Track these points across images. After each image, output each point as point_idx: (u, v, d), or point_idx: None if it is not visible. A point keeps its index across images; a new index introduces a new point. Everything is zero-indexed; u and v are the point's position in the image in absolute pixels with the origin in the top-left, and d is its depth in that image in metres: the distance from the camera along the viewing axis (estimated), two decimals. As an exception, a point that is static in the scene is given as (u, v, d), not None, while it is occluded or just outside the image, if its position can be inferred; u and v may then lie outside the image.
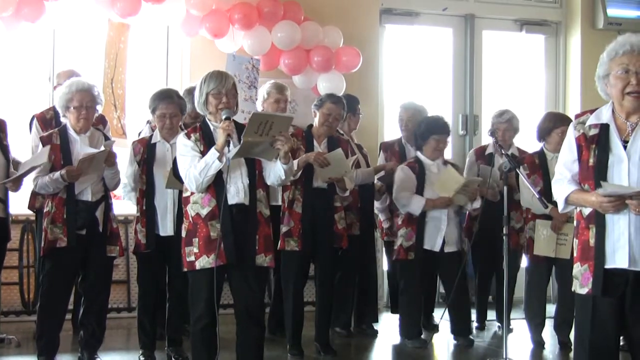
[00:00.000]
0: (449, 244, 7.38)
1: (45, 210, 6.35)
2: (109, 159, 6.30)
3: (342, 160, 6.90)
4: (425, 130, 7.57)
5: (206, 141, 5.50)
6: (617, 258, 4.35)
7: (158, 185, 6.56)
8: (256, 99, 8.25)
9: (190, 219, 5.50)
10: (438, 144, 7.48)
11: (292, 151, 6.75)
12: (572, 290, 4.55)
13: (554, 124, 7.42)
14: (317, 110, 7.12)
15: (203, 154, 5.43)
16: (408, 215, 7.45)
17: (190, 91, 7.48)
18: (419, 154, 7.61)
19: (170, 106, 6.59)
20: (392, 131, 9.44)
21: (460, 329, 7.62)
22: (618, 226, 4.35)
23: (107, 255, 6.46)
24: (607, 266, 4.37)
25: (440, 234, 7.39)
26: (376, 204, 8.31)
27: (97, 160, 6.21)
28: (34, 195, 7.07)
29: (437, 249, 7.38)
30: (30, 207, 7.32)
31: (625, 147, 4.36)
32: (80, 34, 8.74)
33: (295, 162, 6.68)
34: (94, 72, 8.32)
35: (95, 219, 6.37)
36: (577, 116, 4.65)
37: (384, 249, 8.87)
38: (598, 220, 4.40)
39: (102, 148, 6.26)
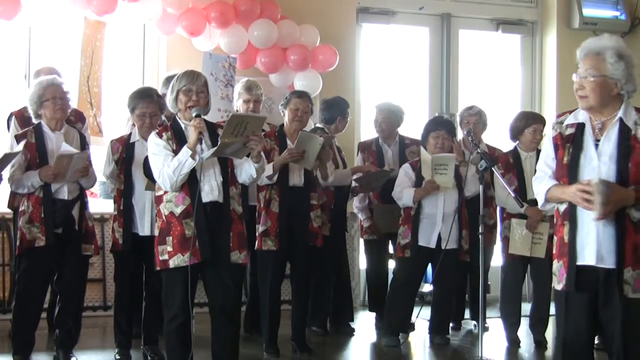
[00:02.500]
0: (446, 241, 7.24)
1: (20, 210, 6.34)
2: (85, 173, 6.33)
3: (310, 138, 6.87)
4: (424, 130, 7.58)
5: (178, 140, 5.51)
6: (586, 255, 4.44)
7: (137, 185, 6.54)
8: (233, 98, 8.25)
9: (164, 217, 5.51)
10: (437, 141, 7.41)
11: (267, 151, 6.79)
12: (553, 286, 4.64)
13: (525, 122, 7.46)
14: (285, 109, 7.12)
15: (175, 152, 5.44)
16: (406, 213, 7.44)
17: (169, 79, 7.55)
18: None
19: (150, 105, 6.57)
20: (369, 130, 9.46)
21: (439, 327, 7.62)
22: (587, 222, 4.42)
23: (82, 254, 6.45)
24: (578, 263, 4.45)
25: (435, 231, 7.32)
26: (355, 203, 8.33)
27: (75, 162, 6.22)
28: (14, 194, 7.03)
29: (432, 245, 7.32)
30: (9, 206, 7.25)
31: (597, 147, 4.45)
32: (57, 32, 8.71)
33: (270, 165, 6.70)
34: (70, 69, 8.29)
35: (72, 217, 6.37)
36: (558, 116, 4.76)
37: (362, 247, 8.88)
38: (571, 216, 4.49)
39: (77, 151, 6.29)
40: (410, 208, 7.39)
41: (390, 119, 8.24)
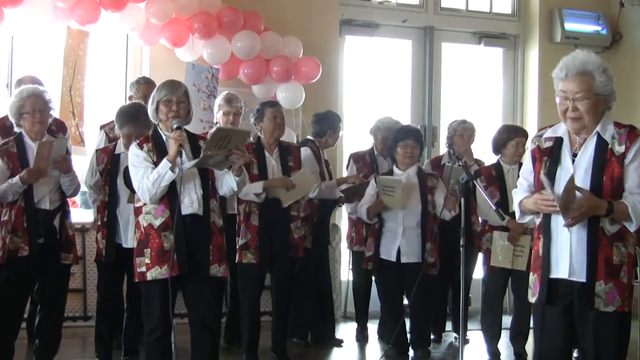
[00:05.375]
0: (407, 255, 7.30)
1: (2, 220, 6.28)
2: (64, 164, 6.29)
3: (307, 178, 7.01)
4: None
5: (159, 151, 5.51)
6: (560, 268, 4.46)
7: (121, 197, 6.53)
8: (214, 109, 8.25)
9: (142, 229, 5.50)
10: (405, 150, 7.43)
11: (246, 165, 6.77)
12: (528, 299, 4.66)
13: (508, 136, 7.47)
14: (260, 122, 7.07)
15: (156, 164, 5.44)
16: (372, 226, 7.50)
17: (139, 82, 7.66)
18: (394, 166, 7.62)
19: (137, 128, 6.53)
20: (352, 141, 9.50)
21: (419, 340, 7.59)
22: (562, 236, 4.45)
23: (63, 263, 6.42)
24: (551, 276, 4.48)
25: (395, 244, 7.36)
26: (348, 209, 8.25)
27: (55, 150, 6.18)
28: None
29: (392, 258, 7.35)
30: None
31: (573, 161, 4.47)
32: (39, 41, 8.69)
33: (260, 184, 6.70)
34: (53, 79, 8.26)
35: (53, 227, 6.34)
36: (538, 131, 4.78)
37: (344, 259, 8.84)
38: (545, 229, 4.52)
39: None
40: (376, 222, 7.46)
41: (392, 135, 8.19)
